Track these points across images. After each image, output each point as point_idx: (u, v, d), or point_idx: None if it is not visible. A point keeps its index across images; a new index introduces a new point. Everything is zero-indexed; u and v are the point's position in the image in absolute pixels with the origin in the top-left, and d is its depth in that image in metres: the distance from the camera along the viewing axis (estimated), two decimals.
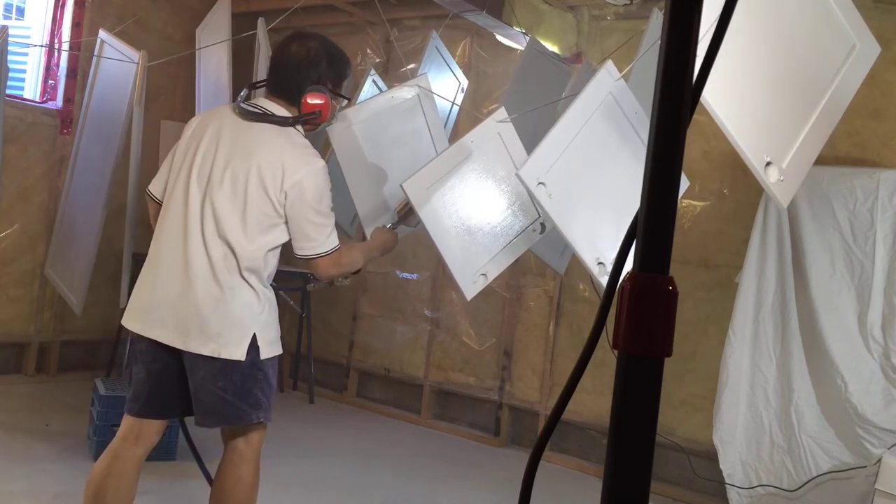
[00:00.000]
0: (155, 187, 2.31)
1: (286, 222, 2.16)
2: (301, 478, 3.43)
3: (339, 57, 2.29)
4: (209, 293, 2.09)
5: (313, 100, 2.20)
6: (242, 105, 2.21)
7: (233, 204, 2.11)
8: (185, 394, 2.19)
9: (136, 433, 2.20)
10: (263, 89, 2.32)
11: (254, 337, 2.13)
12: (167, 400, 2.22)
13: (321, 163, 2.17)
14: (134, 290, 2.22)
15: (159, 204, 2.28)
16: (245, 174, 2.10)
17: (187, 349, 2.11)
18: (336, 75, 2.27)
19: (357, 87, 4.09)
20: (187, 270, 2.11)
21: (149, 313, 2.15)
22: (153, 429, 2.23)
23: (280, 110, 2.20)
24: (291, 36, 2.27)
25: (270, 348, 2.19)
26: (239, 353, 2.10)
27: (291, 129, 2.20)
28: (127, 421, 2.22)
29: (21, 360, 4.48)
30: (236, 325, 2.11)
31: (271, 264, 2.20)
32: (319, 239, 2.18)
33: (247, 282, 2.13)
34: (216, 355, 2.09)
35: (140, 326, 2.16)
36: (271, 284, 2.23)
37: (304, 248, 2.19)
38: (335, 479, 3.54)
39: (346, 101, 2.38)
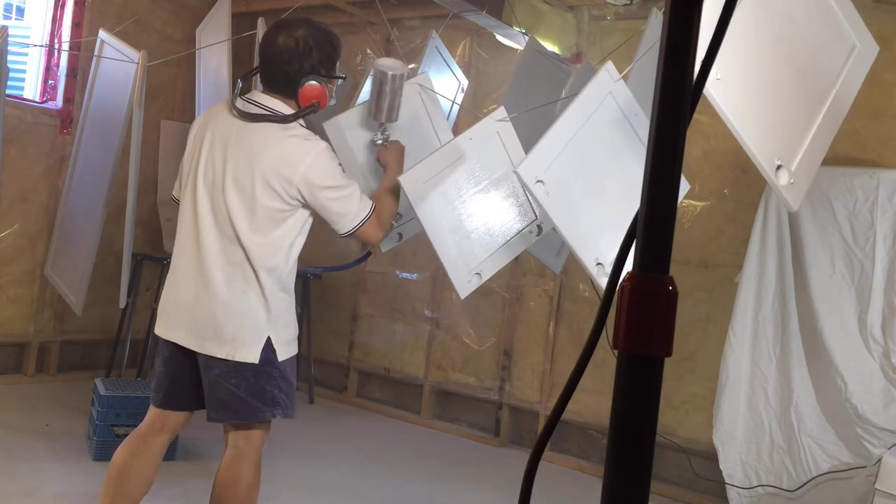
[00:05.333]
0: (176, 191, 2.35)
1: (305, 207, 2.17)
2: (301, 478, 3.43)
3: (328, 40, 2.24)
4: (224, 297, 2.13)
5: (310, 93, 2.19)
6: (241, 101, 2.20)
7: (242, 206, 2.12)
8: (198, 389, 2.24)
9: (162, 422, 2.29)
10: (258, 81, 2.30)
11: (268, 339, 2.16)
12: (183, 393, 2.27)
13: (322, 144, 2.17)
14: (162, 294, 2.29)
15: None
16: (251, 176, 2.11)
17: (203, 351, 2.15)
18: (328, 60, 2.23)
19: (357, 87, 4.10)
20: (202, 275, 2.14)
21: (168, 316, 2.22)
22: (178, 419, 2.30)
23: (279, 105, 2.19)
24: (277, 26, 2.22)
25: (287, 348, 2.22)
26: (252, 357, 2.14)
27: (292, 122, 2.19)
28: (152, 410, 2.30)
29: (21, 360, 4.47)
30: (250, 328, 2.14)
31: (292, 258, 2.21)
32: (351, 209, 2.18)
33: (263, 285, 2.14)
34: (230, 358, 2.13)
35: (161, 329, 2.24)
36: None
37: (344, 225, 2.19)
38: (335, 479, 3.54)
39: (341, 81, 2.33)
